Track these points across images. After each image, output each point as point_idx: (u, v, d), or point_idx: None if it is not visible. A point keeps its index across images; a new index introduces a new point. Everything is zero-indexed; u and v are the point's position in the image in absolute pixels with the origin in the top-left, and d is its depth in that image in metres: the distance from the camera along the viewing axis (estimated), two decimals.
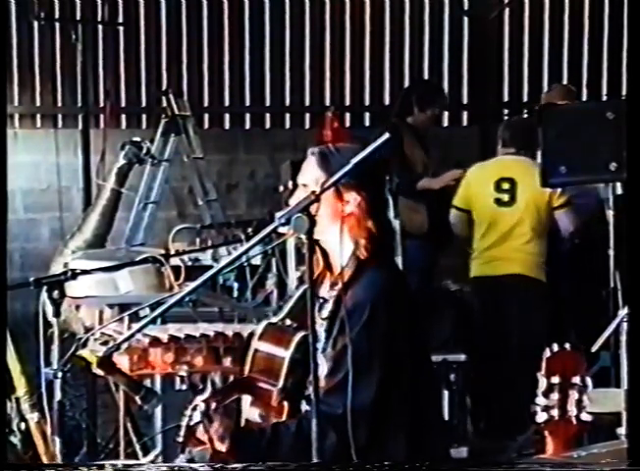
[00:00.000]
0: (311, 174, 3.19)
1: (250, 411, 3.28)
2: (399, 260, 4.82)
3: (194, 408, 3.08)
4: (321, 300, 3.21)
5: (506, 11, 9.23)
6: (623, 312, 4.03)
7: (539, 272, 6.19)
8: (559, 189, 6.00)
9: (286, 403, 3.20)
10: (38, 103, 8.99)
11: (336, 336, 3.10)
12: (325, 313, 3.18)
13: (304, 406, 3.19)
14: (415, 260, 6.15)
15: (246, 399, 3.32)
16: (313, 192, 2.85)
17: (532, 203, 6.13)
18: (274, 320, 3.39)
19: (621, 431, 3.53)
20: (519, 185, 6.12)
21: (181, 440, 3.08)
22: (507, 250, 6.17)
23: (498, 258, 6.19)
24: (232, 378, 3.86)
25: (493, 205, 6.18)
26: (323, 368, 3.09)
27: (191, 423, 3.07)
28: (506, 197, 6.17)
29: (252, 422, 3.27)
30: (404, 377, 3.10)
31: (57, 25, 8.76)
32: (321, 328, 3.15)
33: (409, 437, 3.11)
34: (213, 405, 3.10)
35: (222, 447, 3.07)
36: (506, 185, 6.17)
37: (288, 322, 3.32)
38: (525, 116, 8.52)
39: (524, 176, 6.10)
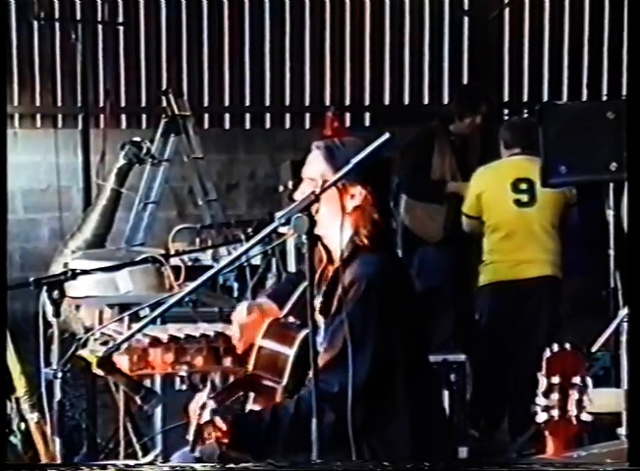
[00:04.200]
0: (317, 167, 3.20)
1: (254, 408, 3.28)
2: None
3: (203, 406, 3.05)
4: (322, 292, 3.22)
5: (506, 11, 9.23)
6: (623, 312, 4.03)
7: (560, 270, 6.11)
8: (573, 188, 5.99)
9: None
10: (38, 103, 8.99)
11: (333, 315, 3.11)
12: (321, 297, 3.19)
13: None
14: (429, 266, 6.09)
15: (250, 396, 3.33)
16: (313, 192, 2.86)
17: (552, 201, 6.04)
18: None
19: (621, 431, 3.53)
20: (537, 185, 6.04)
21: (191, 438, 3.04)
22: (534, 252, 6.02)
23: (525, 261, 6.01)
24: (232, 378, 3.86)
25: (513, 207, 6.03)
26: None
27: (202, 421, 3.03)
28: (525, 198, 6.04)
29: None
30: (400, 358, 3.11)
31: (57, 25, 8.76)
32: (318, 315, 3.16)
33: (412, 428, 3.12)
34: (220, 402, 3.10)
35: (223, 438, 3.06)
36: (523, 186, 6.05)
37: (291, 319, 3.33)
38: (525, 115, 8.50)
39: None
